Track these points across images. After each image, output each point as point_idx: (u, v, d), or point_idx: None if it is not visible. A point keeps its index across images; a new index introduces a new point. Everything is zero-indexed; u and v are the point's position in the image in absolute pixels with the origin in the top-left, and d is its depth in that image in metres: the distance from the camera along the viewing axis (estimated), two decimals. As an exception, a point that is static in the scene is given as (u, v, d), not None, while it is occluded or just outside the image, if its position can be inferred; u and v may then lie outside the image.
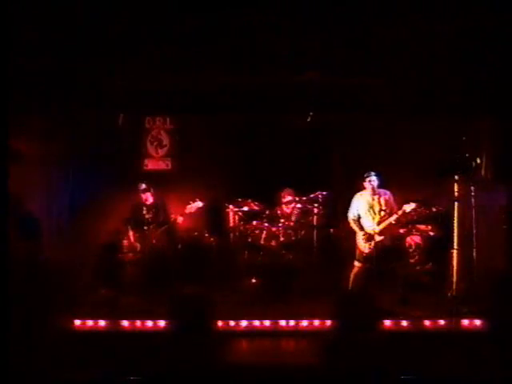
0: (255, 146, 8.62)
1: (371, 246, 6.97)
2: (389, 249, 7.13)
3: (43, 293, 6.36)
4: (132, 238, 7.48)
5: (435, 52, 6.07)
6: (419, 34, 5.73)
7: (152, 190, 7.50)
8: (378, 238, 6.99)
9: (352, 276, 7.16)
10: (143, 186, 7.49)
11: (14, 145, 6.89)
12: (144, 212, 7.45)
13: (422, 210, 8.05)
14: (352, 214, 7.24)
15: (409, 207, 7.00)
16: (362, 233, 7.09)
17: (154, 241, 7.41)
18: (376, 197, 7.07)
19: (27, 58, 5.71)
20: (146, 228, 7.40)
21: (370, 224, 7.08)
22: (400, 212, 6.98)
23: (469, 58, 6.13)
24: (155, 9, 5.36)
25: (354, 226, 7.21)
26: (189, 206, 7.44)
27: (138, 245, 7.43)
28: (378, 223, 7.03)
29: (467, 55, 6.06)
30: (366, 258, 7.04)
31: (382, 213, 7.03)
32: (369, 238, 7.03)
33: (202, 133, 8.59)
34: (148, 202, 7.49)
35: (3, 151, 5.18)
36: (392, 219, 6.99)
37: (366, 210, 7.12)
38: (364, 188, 7.19)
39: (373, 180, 7.08)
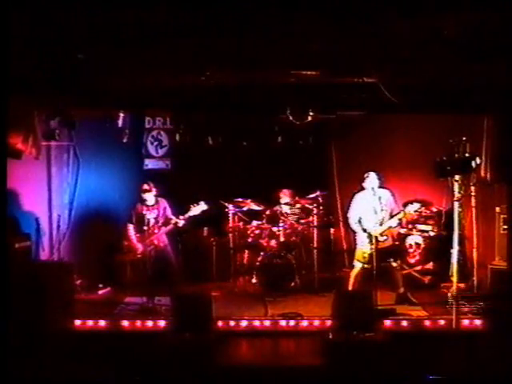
0: (255, 146, 8.62)
1: (374, 247, 6.94)
2: (389, 249, 7.11)
3: (43, 293, 6.35)
4: (133, 239, 7.47)
5: (435, 51, 6.06)
6: (419, 33, 5.71)
7: (154, 190, 7.48)
8: (381, 239, 6.96)
9: (352, 276, 7.14)
10: (145, 186, 7.47)
11: (12, 141, 6.92)
12: (145, 212, 7.43)
13: (422, 210, 8.07)
14: (353, 215, 7.19)
15: (413, 208, 6.99)
16: (365, 234, 7.04)
17: (154, 241, 7.40)
18: (376, 197, 7.05)
19: (26, 56, 5.70)
20: (146, 228, 7.38)
21: (372, 225, 7.04)
22: (404, 213, 6.97)
23: (469, 57, 6.12)
24: (155, 8, 5.35)
25: (355, 227, 7.15)
26: (193, 209, 7.37)
27: (139, 245, 7.42)
28: (380, 224, 7.01)
29: (467, 54, 6.05)
30: (366, 259, 7.02)
31: (384, 213, 7.02)
32: (372, 238, 7.00)
33: (201, 133, 8.59)
34: (149, 203, 7.48)
35: (1, 148, 5.15)
36: (396, 219, 6.97)
37: (367, 210, 7.08)
38: (364, 188, 7.17)
39: (373, 180, 7.07)
